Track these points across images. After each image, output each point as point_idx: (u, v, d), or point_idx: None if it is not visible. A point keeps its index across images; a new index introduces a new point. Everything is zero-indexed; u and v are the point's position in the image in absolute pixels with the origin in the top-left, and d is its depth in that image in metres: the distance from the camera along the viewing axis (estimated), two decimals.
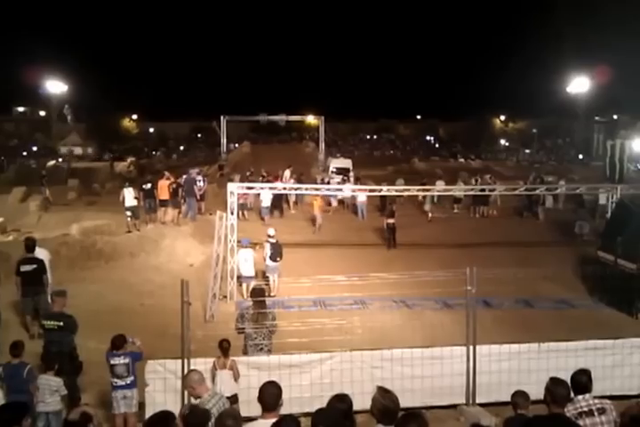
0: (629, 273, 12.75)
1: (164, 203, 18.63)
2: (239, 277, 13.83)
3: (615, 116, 65.28)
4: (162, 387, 7.63)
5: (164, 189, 18.61)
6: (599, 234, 16.22)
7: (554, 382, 4.73)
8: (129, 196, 17.18)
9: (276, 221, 20.74)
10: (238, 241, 13.92)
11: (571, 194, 23.04)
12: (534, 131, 77.95)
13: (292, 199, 24.95)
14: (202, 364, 7.56)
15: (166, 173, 19.96)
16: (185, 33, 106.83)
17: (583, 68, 49.81)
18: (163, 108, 76.88)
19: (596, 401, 4.95)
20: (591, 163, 46.08)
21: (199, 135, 79.89)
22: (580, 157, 54.82)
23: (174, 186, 19.30)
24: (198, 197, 20.36)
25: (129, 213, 17.14)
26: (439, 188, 21.48)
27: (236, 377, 7.50)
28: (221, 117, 45.46)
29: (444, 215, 24.20)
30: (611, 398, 6.59)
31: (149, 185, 18.30)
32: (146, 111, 77.44)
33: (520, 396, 5.33)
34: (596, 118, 59.96)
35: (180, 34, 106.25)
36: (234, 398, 7.28)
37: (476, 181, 26.82)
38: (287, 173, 27.48)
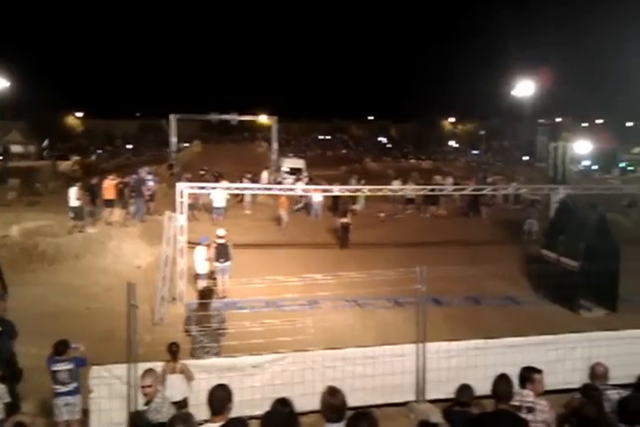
0: (571, 271, 13.14)
1: (109, 203, 18.19)
2: (197, 275, 13.82)
3: (558, 119, 67.67)
4: (107, 393, 7.39)
5: (109, 189, 18.17)
6: (543, 233, 16.71)
7: (499, 379, 4.84)
8: (72, 196, 16.69)
9: (228, 222, 20.53)
10: (189, 243, 13.78)
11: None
12: (482, 132, 79.96)
13: (248, 200, 24.76)
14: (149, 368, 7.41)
15: (108, 177, 19.27)
16: (132, 28, 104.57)
17: (528, 72, 51.33)
18: (109, 105, 75.24)
19: (530, 399, 5.07)
20: (535, 164, 47.53)
21: (148, 134, 78.31)
22: (525, 158, 56.51)
23: (121, 186, 18.90)
24: (147, 197, 19.97)
25: (71, 214, 16.66)
26: (390, 188, 21.67)
27: (190, 379, 7.37)
28: (171, 116, 44.64)
29: (396, 215, 24.53)
30: (554, 392, 6.82)
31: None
32: (91, 108, 75.47)
33: (464, 391, 5.41)
34: (540, 121, 61.88)
35: (127, 29, 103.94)
36: (184, 402, 7.18)
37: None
38: (265, 174, 27.21)
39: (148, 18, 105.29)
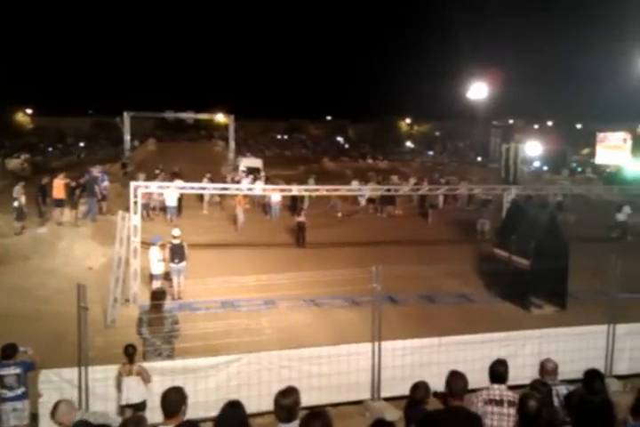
0: (522, 269, 13.40)
1: (60, 203, 17.74)
2: (151, 276, 13.63)
3: (511, 121, 69.35)
4: (57, 397, 7.14)
5: (59, 188, 17.72)
6: (495, 232, 17.07)
7: (452, 376, 4.88)
8: (14, 195, 16.26)
9: (184, 222, 20.30)
10: (143, 243, 13.56)
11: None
12: (437, 133, 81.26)
13: (207, 199, 24.53)
14: (100, 371, 7.28)
15: (58, 176, 18.70)
16: (83, 23, 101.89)
17: (482, 75, 52.54)
18: (60, 101, 73.20)
19: (510, 394, 5.13)
20: (489, 165, 48.46)
21: (100, 131, 76.52)
22: (479, 159, 57.63)
23: (73, 185, 18.47)
24: (100, 196, 19.58)
25: (14, 215, 16.22)
26: (347, 187, 21.80)
27: (148, 381, 7.26)
28: (124, 113, 43.77)
29: (353, 215, 24.72)
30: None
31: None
32: (42, 105, 73.20)
33: (419, 389, 5.46)
34: (493, 123, 63.29)
35: (77, 24, 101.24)
36: (142, 405, 7.11)
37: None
38: (246, 181, 26.77)
39: (99, 10, 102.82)
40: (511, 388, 7.13)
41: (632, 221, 21.77)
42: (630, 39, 42.06)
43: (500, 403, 5.03)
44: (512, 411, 4.96)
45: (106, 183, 20.72)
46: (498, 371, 5.22)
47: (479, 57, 58.90)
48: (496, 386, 5.16)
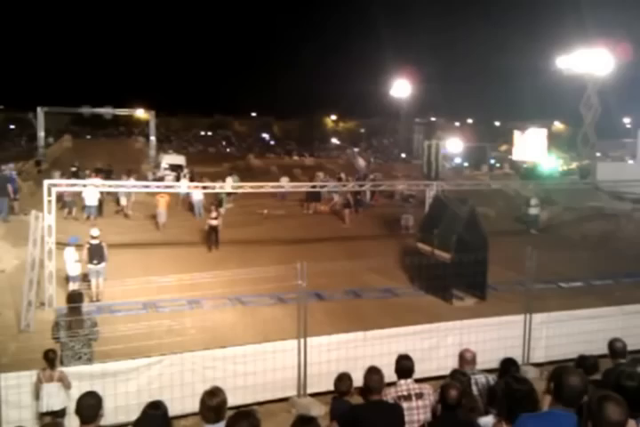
0: (444, 263, 13.80)
1: None
2: (68, 278, 13.07)
3: (433, 119, 71.44)
4: None
5: None
6: (419, 227, 17.47)
7: (368, 372, 4.92)
8: None
9: (104, 221, 19.56)
10: (59, 243, 12.96)
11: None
12: (362, 130, 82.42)
13: (132, 199, 23.63)
14: (14, 378, 6.93)
15: None
16: None
17: (404, 73, 53.66)
18: None
19: (416, 386, 5.24)
20: (412, 161, 49.54)
21: (12, 127, 72.60)
22: (403, 155, 58.87)
23: None
24: (12, 195, 18.60)
25: None
26: (273, 184, 21.68)
27: (68, 387, 6.99)
28: (38, 108, 41.72)
29: (278, 212, 24.62)
30: (429, 379, 7.14)
31: None
32: None
33: (343, 380, 5.49)
34: (416, 120, 64.88)
35: None
36: (62, 412, 6.86)
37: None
38: (229, 180, 25.77)
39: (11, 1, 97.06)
40: (434, 378, 7.36)
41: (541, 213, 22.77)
42: (545, 39, 44.18)
43: (408, 398, 5.13)
44: (420, 403, 5.12)
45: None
46: (406, 365, 5.30)
47: (402, 55, 60.26)
48: (402, 382, 5.24)
